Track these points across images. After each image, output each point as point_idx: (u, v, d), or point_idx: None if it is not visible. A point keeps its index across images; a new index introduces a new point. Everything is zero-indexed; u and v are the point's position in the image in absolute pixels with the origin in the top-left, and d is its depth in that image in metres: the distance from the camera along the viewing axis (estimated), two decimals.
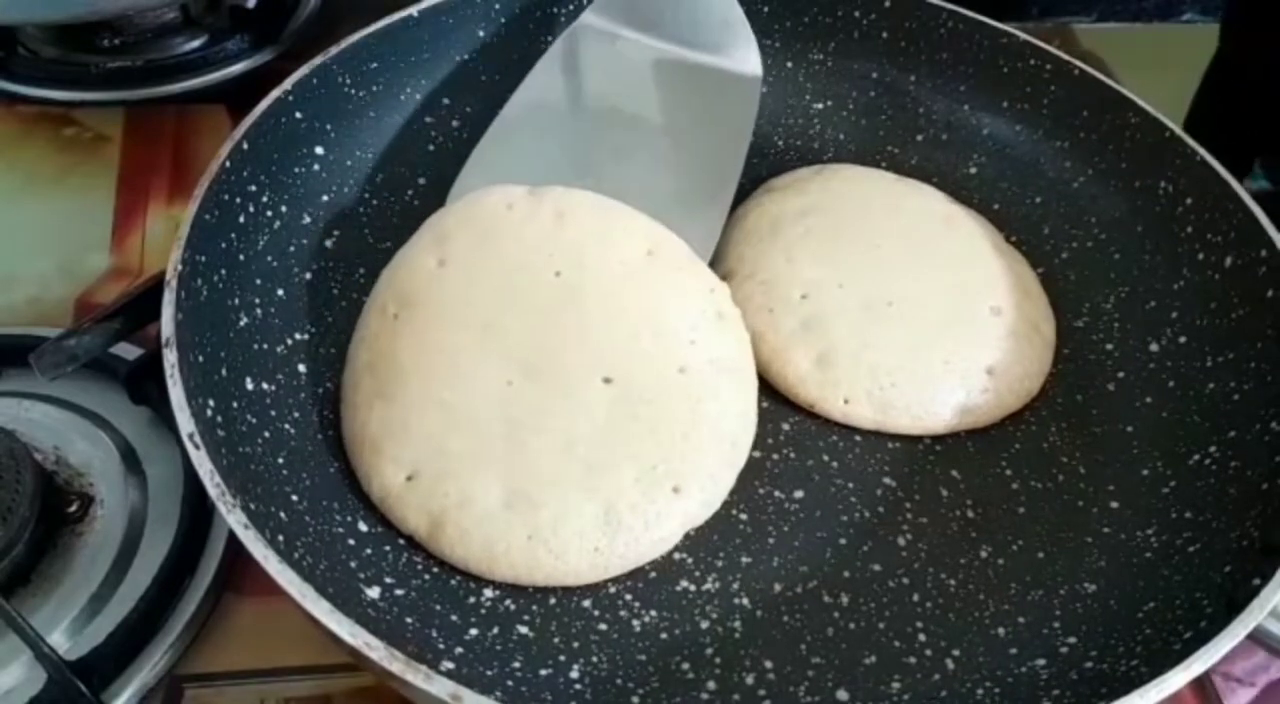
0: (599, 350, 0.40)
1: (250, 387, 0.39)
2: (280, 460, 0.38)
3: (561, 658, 0.36)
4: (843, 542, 0.40)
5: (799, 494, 0.41)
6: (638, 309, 0.41)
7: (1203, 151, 0.46)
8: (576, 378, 0.40)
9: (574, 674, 0.35)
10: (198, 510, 0.42)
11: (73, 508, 0.42)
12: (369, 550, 0.37)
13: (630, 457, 0.38)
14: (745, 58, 0.46)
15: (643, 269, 0.42)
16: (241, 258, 0.41)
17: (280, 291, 0.43)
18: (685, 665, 0.36)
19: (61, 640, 0.38)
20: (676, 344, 0.41)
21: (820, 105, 0.56)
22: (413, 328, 0.41)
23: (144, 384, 0.43)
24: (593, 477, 0.38)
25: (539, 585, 0.37)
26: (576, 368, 0.40)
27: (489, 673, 0.34)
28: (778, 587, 0.38)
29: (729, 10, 0.47)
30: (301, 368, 0.42)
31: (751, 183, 0.52)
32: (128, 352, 0.45)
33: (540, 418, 0.39)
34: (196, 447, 0.32)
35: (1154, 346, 0.46)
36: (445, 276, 0.42)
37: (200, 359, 0.36)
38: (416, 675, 0.29)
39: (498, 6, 0.51)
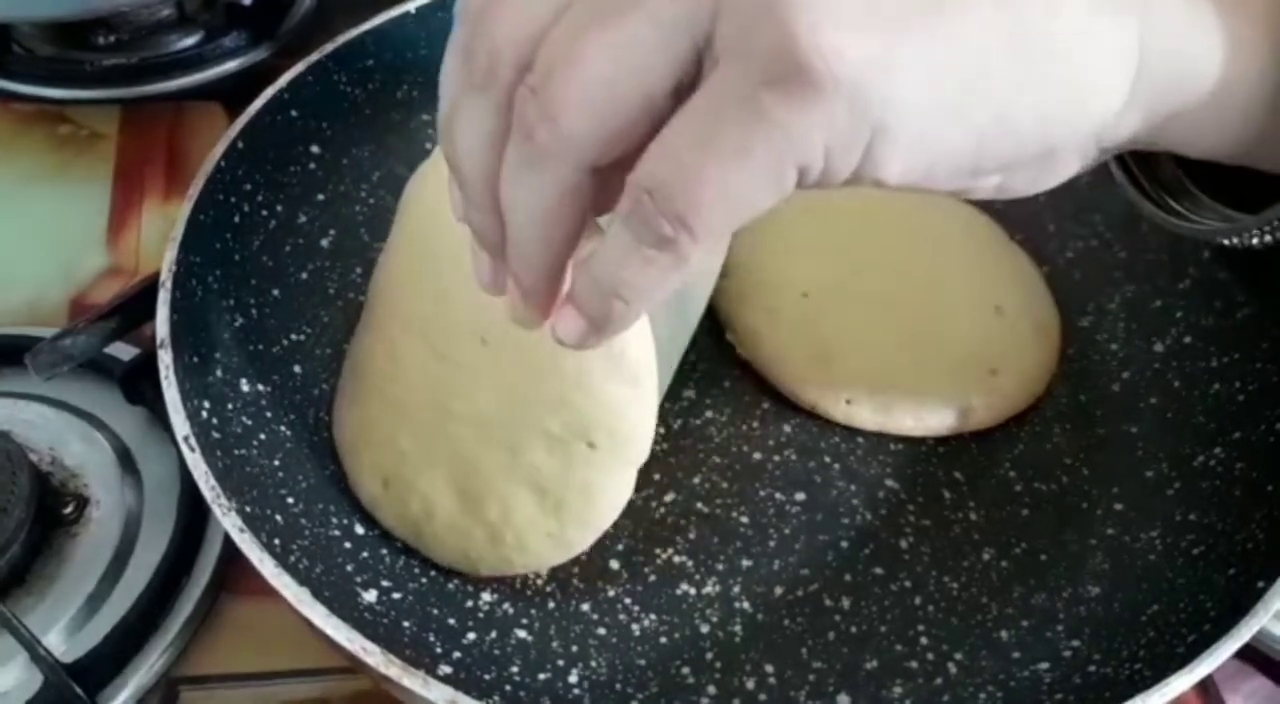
0: (474, 310, 0.37)
1: (246, 388, 0.39)
2: (276, 462, 0.38)
3: (560, 662, 0.36)
4: (844, 544, 0.40)
5: (800, 496, 0.41)
6: None
7: None
8: (460, 345, 0.37)
9: (573, 678, 0.35)
10: (194, 511, 0.41)
11: (68, 509, 0.41)
12: (365, 553, 0.37)
13: (532, 423, 0.36)
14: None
15: None
16: (236, 258, 0.41)
17: (276, 291, 0.42)
18: (685, 670, 0.36)
19: (57, 642, 0.38)
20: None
21: None
22: (368, 323, 0.40)
23: (139, 384, 0.43)
24: (511, 456, 0.36)
25: (515, 574, 0.37)
26: (459, 333, 0.37)
27: (487, 677, 0.34)
28: (778, 590, 0.38)
29: None
30: (297, 369, 0.42)
31: None
32: (123, 352, 0.45)
33: (453, 399, 0.37)
34: (192, 449, 0.32)
35: (1159, 347, 0.45)
36: (390, 269, 0.40)
37: (195, 360, 0.36)
38: (414, 680, 0.29)
39: None
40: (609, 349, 0.36)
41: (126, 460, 0.43)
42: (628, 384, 0.36)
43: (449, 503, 0.37)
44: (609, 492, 0.36)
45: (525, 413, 0.36)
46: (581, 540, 0.37)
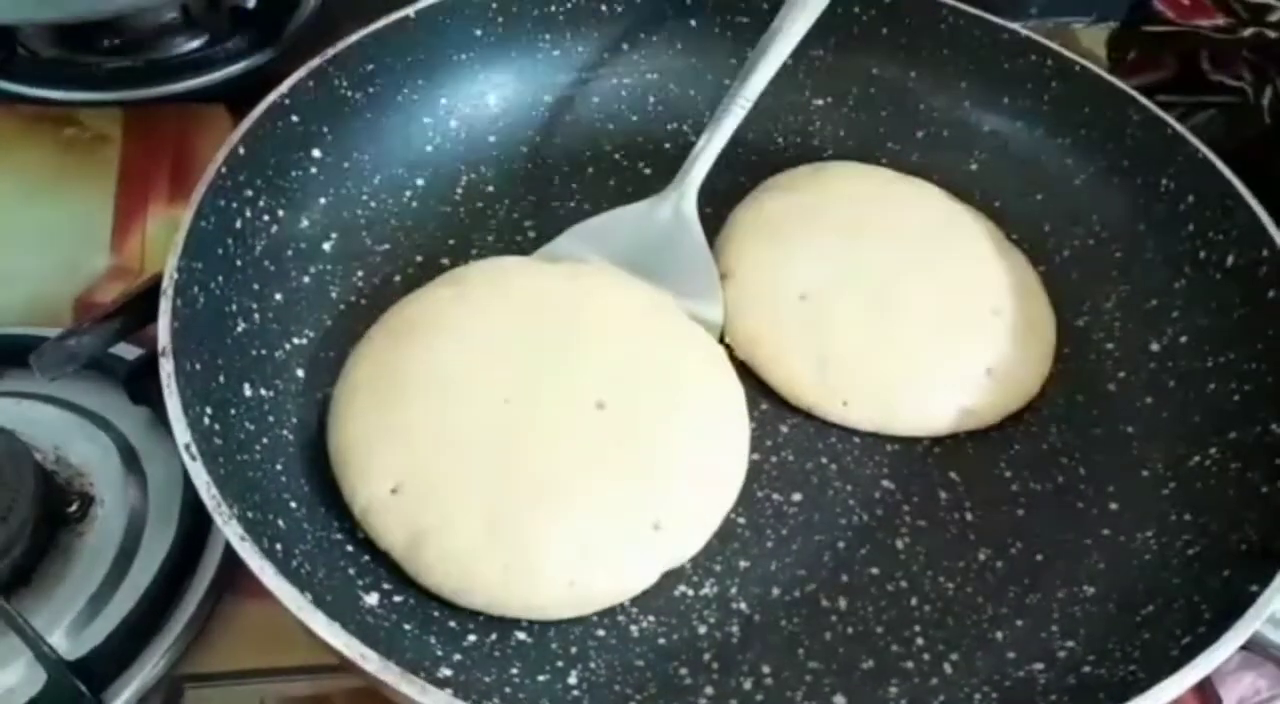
0: (596, 376, 0.40)
1: (248, 392, 0.39)
2: (279, 467, 0.38)
3: (559, 664, 0.36)
4: (841, 545, 0.40)
5: (797, 497, 0.41)
6: (638, 346, 0.42)
7: (1205, 149, 0.46)
8: (570, 401, 0.40)
9: (572, 680, 0.35)
10: (198, 510, 0.40)
11: (73, 508, 0.42)
12: (367, 557, 0.37)
13: (615, 487, 0.38)
14: (710, 306, 0.45)
15: (647, 317, 0.43)
16: (239, 263, 0.41)
17: (278, 296, 0.43)
18: (683, 671, 0.36)
19: (61, 640, 0.38)
20: (674, 380, 0.41)
21: (820, 102, 0.55)
22: (419, 345, 0.41)
23: (144, 384, 0.43)
24: (576, 506, 0.37)
25: (509, 616, 0.37)
26: (571, 391, 0.40)
27: (487, 679, 0.35)
28: (775, 591, 0.38)
29: (701, 260, 0.47)
30: (300, 373, 0.42)
31: (751, 181, 0.51)
32: (127, 352, 0.45)
33: (530, 441, 0.38)
34: (193, 458, 0.32)
35: (1155, 346, 0.45)
36: (457, 306, 0.42)
37: (197, 366, 0.36)
38: (412, 687, 0.29)
39: (495, 6, 0.51)
40: (713, 450, 0.40)
41: (131, 459, 0.44)
42: (713, 486, 0.39)
43: (475, 522, 0.37)
44: (645, 574, 0.38)
45: (613, 475, 0.38)
46: (594, 603, 0.37)
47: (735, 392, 0.42)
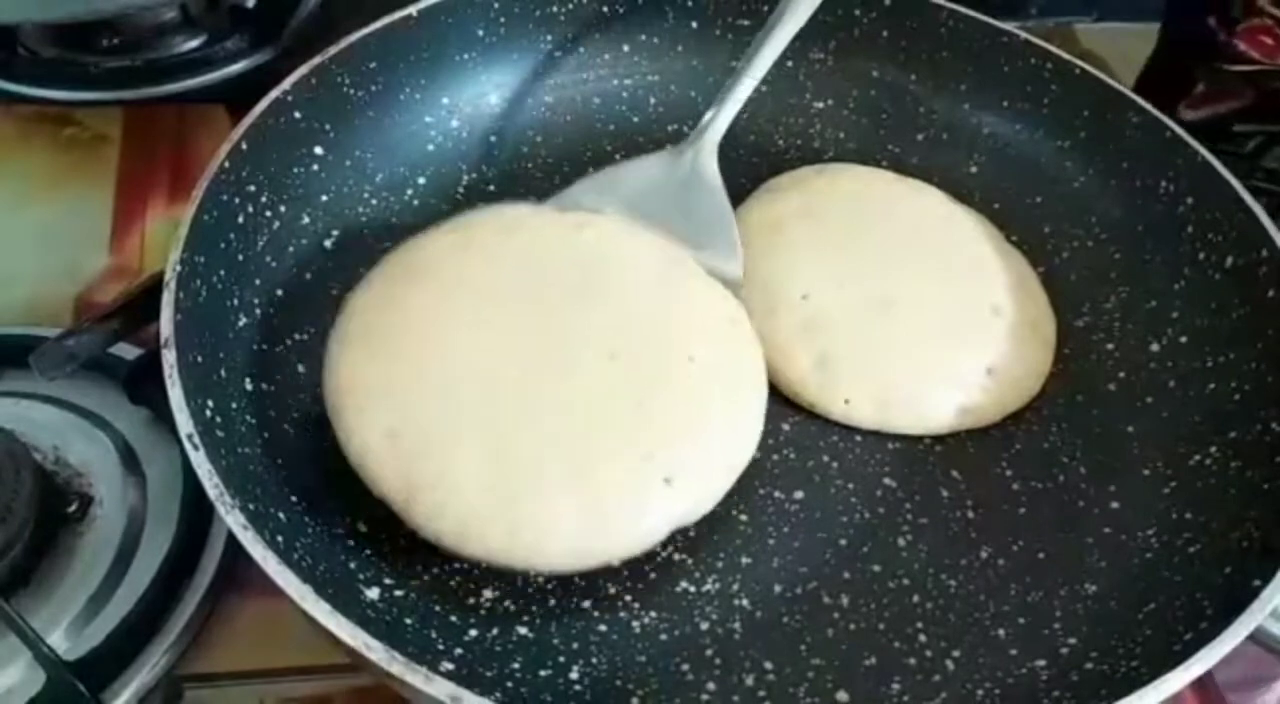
0: (608, 329, 0.39)
1: (249, 387, 0.39)
2: (280, 461, 0.38)
3: (561, 659, 0.36)
4: (843, 542, 0.40)
5: (799, 495, 0.41)
6: (652, 301, 0.41)
7: (1204, 151, 0.46)
8: (582, 352, 0.38)
9: (574, 675, 0.35)
10: (197, 510, 0.42)
11: (72, 508, 0.42)
12: (369, 551, 0.37)
13: (626, 439, 0.37)
14: (729, 261, 0.44)
15: (660, 271, 0.42)
16: (240, 258, 0.41)
17: (279, 291, 0.43)
18: (685, 666, 0.36)
19: (61, 641, 0.38)
20: (689, 335, 0.40)
21: (821, 104, 0.55)
22: (423, 292, 0.40)
23: (143, 384, 0.43)
24: (585, 456, 0.36)
25: (511, 568, 0.36)
26: (583, 343, 0.39)
27: (489, 674, 0.34)
28: (777, 587, 0.38)
29: (721, 215, 0.45)
30: (301, 368, 0.42)
31: (752, 182, 0.52)
32: (127, 352, 0.45)
33: (540, 390, 0.37)
34: (196, 447, 0.32)
35: (1154, 346, 0.46)
36: (463, 253, 0.41)
37: (199, 360, 0.36)
38: (416, 676, 0.29)
39: (497, 6, 0.51)
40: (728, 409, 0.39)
41: (130, 460, 0.43)
42: (728, 446, 0.39)
43: (474, 469, 0.36)
44: (654, 528, 0.37)
45: (625, 426, 0.37)
46: (599, 555, 0.36)
47: (754, 351, 0.42)
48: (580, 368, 0.38)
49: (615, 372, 0.38)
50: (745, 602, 0.38)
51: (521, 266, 0.41)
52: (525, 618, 0.37)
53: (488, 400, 0.37)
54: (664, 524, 0.37)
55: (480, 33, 0.51)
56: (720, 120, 0.46)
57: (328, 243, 0.45)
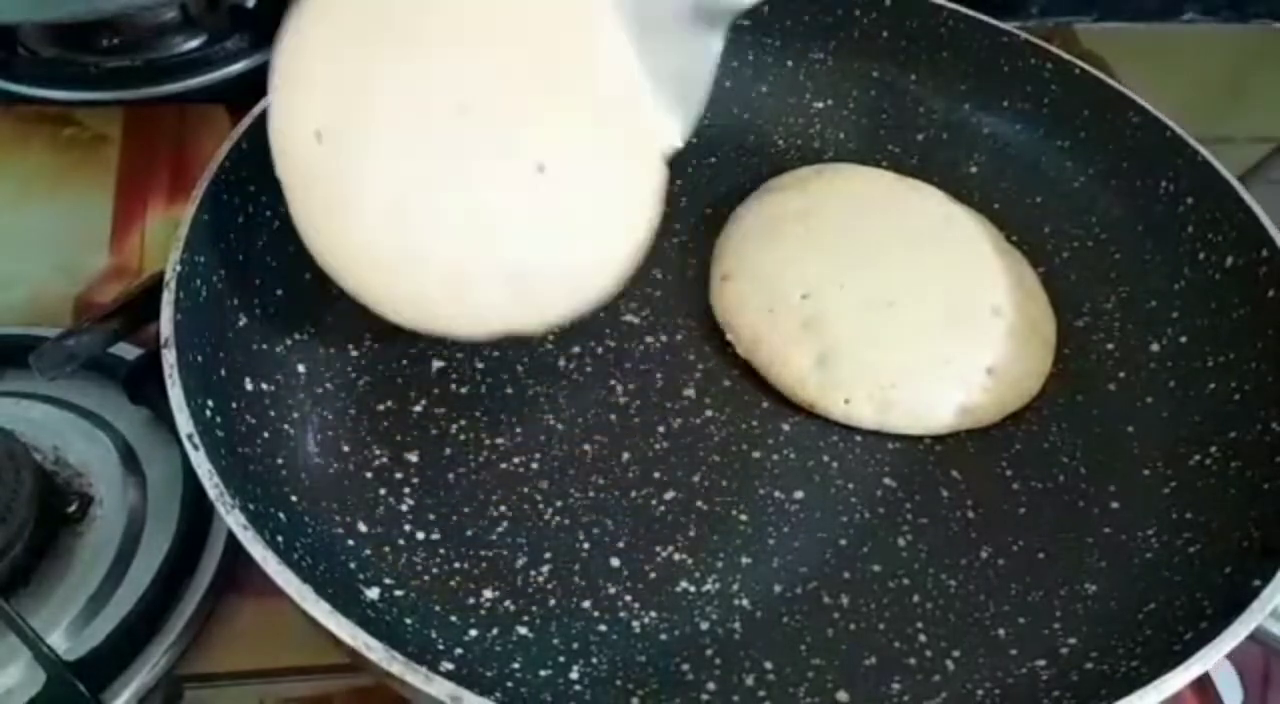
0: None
1: (249, 387, 0.39)
2: (280, 461, 0.38)
3: (561, 659, 0.36)
4: (843, 542, 0.40)
5: (799, 495, 0.41)
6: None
7: (1204, 151, 0.46)
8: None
9: (574, 675, 0.35)
10: (197, 510, 0.41)
11: (72, 508, 0.41)
12: (368, 551, 0.37)
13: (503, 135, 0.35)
14: (671, 115, 0.40)
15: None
16: (240, 258, 0.41)
17: (279, 291, 0.42)
18: (685, 666, 0.36)
19: (61, 641, 0.38)
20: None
21: (820, 104, 0.55)
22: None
23: (143, 384, 0.43)
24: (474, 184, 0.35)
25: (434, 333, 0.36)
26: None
27: (488, 674, 0.34)
28: (777, 587, 0.38)
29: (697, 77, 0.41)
30: (301, 368, 0.42)
31: (751, 182, 0.52)
32: (127, 352, 0.45)
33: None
34: (195, 447, 0.32)
35: (1154, 346, 0.46)
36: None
37: (199, 359, 0.36)
38: (416, 676, 0.29)
39: None
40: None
41: (130, 460, 0.43)
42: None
43: (385, 202, 0.35)
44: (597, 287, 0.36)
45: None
46: (538, 319, 0.35)
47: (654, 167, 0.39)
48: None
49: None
50: (745, 602, 0.38)
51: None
52: (525, 618, 0.37)
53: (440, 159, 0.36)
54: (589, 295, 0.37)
55: None
56: None
57: None
